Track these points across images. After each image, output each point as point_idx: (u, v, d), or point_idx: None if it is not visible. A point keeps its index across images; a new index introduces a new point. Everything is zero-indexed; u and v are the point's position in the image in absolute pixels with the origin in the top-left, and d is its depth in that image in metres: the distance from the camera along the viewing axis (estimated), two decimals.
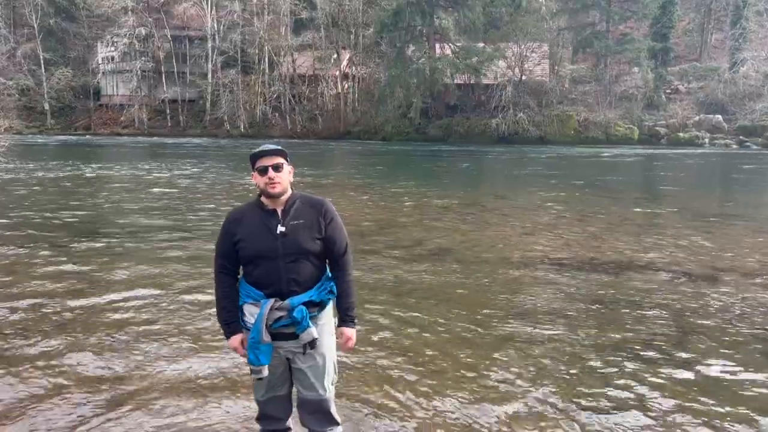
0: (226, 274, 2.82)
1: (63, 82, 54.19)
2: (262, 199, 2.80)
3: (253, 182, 2.80)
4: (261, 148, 2.78)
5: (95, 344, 4.75)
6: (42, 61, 52.59)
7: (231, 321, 2.81)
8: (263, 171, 2.72)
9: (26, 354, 4.55)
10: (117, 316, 5.44)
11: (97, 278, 6.75)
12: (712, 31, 51.90)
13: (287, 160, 2.79)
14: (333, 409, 2.93)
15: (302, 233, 2.72)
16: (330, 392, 2.89)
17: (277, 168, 2.72)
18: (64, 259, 7.60)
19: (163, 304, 5.77)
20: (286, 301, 2.68)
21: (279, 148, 2.78)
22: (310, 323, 2.69)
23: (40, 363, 4.38)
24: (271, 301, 2.67)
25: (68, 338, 4.87)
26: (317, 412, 2.88)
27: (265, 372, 2.71)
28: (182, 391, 3.94)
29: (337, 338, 2.92)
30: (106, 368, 4.30)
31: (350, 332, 2.86)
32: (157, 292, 6.17)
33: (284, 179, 2.75)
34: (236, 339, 2.81)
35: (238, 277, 2.84)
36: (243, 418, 3.57)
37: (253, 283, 2.75)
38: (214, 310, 2.94)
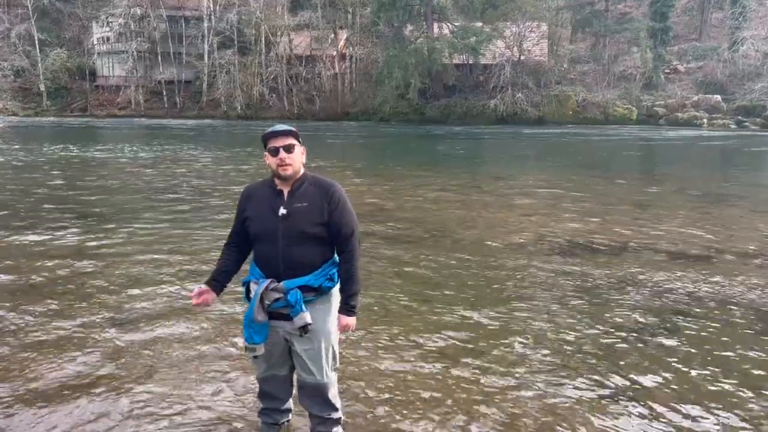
0: (230, 246, 2.88)
1: (58, 63, 53.58)
2: (275, 179, 2.79)
3: (265, 162, 2.76)
4: (272, 128, 2.74)
5: (96, 324, 4.85)
6: (37, 42, 51.99)
7: (213, 279, 2.83)
8: (274, 152, 2.69)
9: (27, 332, 4.63)
10: (115, 296, 5.52)
11: (92, 260, 6.82)
12: (712, 10, 51.39)
13: (299, 141, 2.75)
14: (332, 395, 2.90)
15: (304, 217, 2.68)
16: (328, 378, 2.85)
17: (288, 149, 2.69)
18: (59, 241, 7.68)
19: (161, 286, 5.85)
20: (281, 283, 2.67)
21: (290, 128, 2.74)
22: (304, 308, 2.66)
23: (40, 340, 4.47)
24: (267, 281, 2.68)
25: (66, 324, 4.96)
26: (315, 396, 2.87)
27: (260, 351, 2.73)
28: (186, 367, 4.03)
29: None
30: (106, 352, 4.40)
31: (347, 320, 2.81)
32: (154, 273, 6.25)
33: (296, 160, 2.71)
34: (203, 288, 2.80)
35: (247, 251, 2.87)
36: (246, 399, 3.64)
37: (256, 262, 2.79)
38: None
